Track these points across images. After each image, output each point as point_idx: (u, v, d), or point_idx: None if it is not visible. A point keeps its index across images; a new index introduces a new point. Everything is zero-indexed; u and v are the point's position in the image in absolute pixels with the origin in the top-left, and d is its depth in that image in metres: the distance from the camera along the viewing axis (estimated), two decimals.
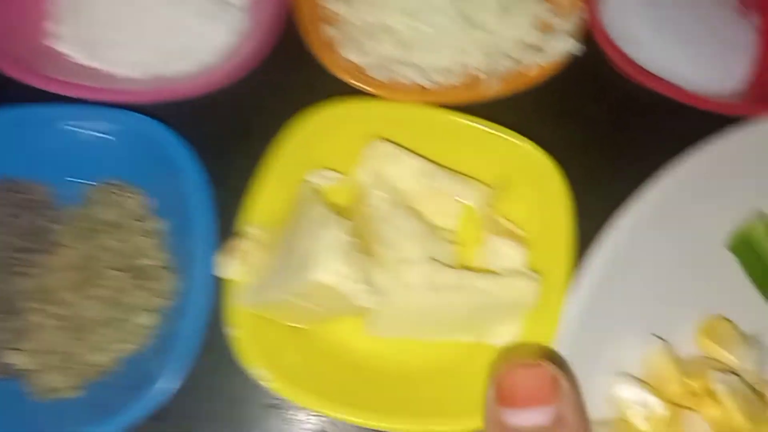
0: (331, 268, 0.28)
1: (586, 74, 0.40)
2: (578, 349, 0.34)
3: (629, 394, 0.34)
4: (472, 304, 0.32)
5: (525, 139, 0.36)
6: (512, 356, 0.31)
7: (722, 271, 0.38)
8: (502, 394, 0.26)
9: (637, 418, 0.34)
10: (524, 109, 0.38)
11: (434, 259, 0.32)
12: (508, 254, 0.34)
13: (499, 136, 0.36)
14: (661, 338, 0.36)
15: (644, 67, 0.40)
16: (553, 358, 0.31)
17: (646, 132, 0.40)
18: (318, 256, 0.28)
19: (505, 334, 0.34)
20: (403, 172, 0.34)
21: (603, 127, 0.40)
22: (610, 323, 0.35)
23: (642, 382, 0.34)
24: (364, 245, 0.31)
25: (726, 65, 0.44)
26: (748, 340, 0.36)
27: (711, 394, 0.34)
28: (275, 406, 0.34)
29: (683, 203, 0.38)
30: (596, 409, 0.32)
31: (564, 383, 0.26)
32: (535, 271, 0.34)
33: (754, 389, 0.34)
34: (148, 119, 0.36)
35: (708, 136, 0.39)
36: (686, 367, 0.35)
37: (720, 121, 0.39)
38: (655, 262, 0.37)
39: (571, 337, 0.34)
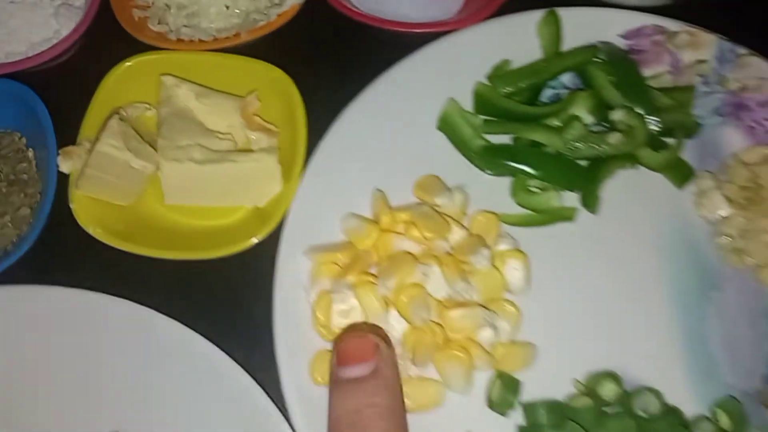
0: (108, 142, 0.45)
1: (314, 17, 0.57)
2: (316, 204, 0.50)
3: (353, 223, 0.50)
4: (234, 175, 0.49)
5: (271, 65, 0.53)
6: (349, 331, 0.42)
7: (436, 145, 0.54)
8: (339, 356, 0.37)
9: (358, 240, 0.50)
10: (273, 46, 0.55)
11: (202, 145, 0.49)
12: (261, 140, 0.51)
13: (253, 64, 0.53)
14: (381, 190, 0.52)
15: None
16: (377, 331, 0.42)
17: (365, 54, 0.56)
18: (100, 138, 0.45)
19: (262, 197, 0.50)
20: (187, 95, 0.51)
21: (330, 51, 0.57)
22: (341, 188, 0.51)
23: (363, 217, 0.50)
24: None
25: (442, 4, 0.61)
26: (452, 188, 0.52)
27: (412, 222, 0.50)
28: (109, 261, 0.50)
29: (398, 99, 0.54)
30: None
31: (383, 347, 0.37)
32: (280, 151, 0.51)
33: (440, 214, 0.50)
34: (19, 84, 0.53)
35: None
36: (400, 208, 0.51)
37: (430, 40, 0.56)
38: (377, 144, 0.53)
39: (309, 196, 0.50)
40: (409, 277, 0.47)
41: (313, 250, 0.49)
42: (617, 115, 0.49)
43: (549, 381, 0.47)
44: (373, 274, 0.47)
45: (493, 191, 0.52)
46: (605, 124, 0.52)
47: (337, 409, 0.35)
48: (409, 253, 0.48)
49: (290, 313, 0.48)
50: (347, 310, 0.46)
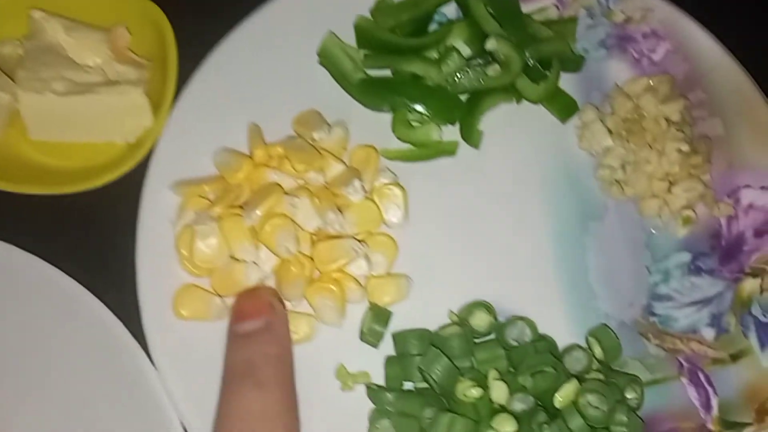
0: None
1: None
2: (187, 138, 0.49)
3: (225, 157, 0.49)
4: (99, 108, 0.48)
5: None
6: (245, 291, 0.43)
7: (317, 80, 0.51)
8: (234, 313, 0.39)
9: (229, 173, 0.48)
10: None
11: (66, 78, 0.47)
12: (127, 72, 0.49)
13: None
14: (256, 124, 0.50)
15: None
16: (272, 292, 0.42)
17: None
18: None
19: (132, 132, 0.49)
20: (56, 29, 0.49)
21: None
22: (215, 122, 0.50)
23: (236, 151, 0.49)
24: None
25: None
26: (332, 123, 0.51)
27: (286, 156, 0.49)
28: None
29: (278, 33, 0.52)
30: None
31: (276, 304, 0.39)
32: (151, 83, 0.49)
33: (316, 148, 0.49)
34: None
35: None
36: (275, 143, 0.50)
37: None
38: (255, 78, 0.51)
39: (180, 130, 0.49)
40: (276, 207, 0.45)
41: (180, 183, 0.47)
42: (491, 45, 0.48)
43: (424, 313, 0.47)
44: (240, 207, 0.46)
45: (373, 126, 0.51)
46: (485, 57, 0.51)
47: (231, 360, 0.37)
48: (278, 183, 0.47)
49: (154, 248, 0.46)
50: (211, 244, 0.45)
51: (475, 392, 0.42)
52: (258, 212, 0.45)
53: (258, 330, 0.38)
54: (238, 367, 0.36)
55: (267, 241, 0.45)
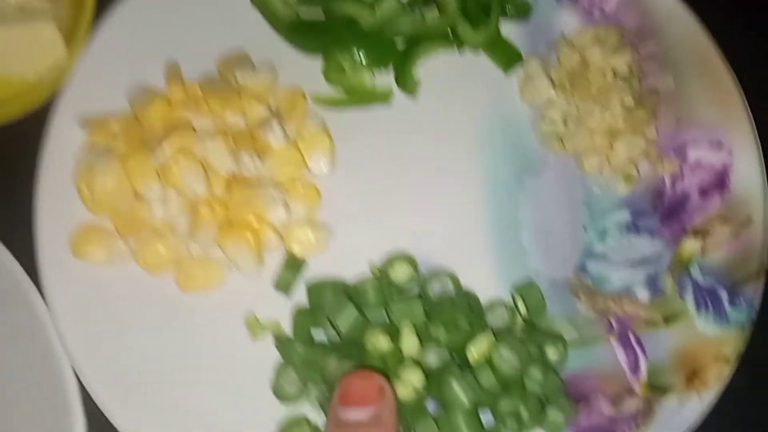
0: None
1: None
2: (100, 74, 0.46)
3: (139, 95, 0.46)
4: (6, 39, 0.45)
5: None
6: (356, 372, 0.38)
7: (248, 19, 0.48)
8: (342, 396, 0.34)
9: (142, 112, 0.45)
10: None
11: None
12: (40, 3, 0.47)
13: None
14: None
15: None
16: (384, 379, 0.36)
17: None
18: None
19: (41, 65, 0.46)
20: None
21: None
22: (132, 58, 0.47)
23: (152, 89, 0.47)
24: None
25: None
26: (260, 65, 0.48)
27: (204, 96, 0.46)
28: None
29: None
30: None
31: (387, 391, 0.35)
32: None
33: (237, 89, 0.46)
34: None
35: None
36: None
37: None
38: (179, 14, 0.48)
39: (93, 65, 0.46)
40: (185, 146, 0.43)
41: (88, 120, 0.45)
42: None
43: (344, 265, 0.44)
44: (150, 146, 0.44)
45: (304, 70, 0.48)
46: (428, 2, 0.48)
47: None
48: (189, 121, 0.44)
49: (57, 185, 0.44)
50: (112, 181, 0.43)
51: (384, 342, 0.39)
52: (165, 150, 0.42)
53: (366, 422, 0.34)
54: None
55: (172, 180, 0.42)
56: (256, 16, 0.49)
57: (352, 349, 0.40)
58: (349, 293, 0.42)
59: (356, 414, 0.34)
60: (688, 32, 0.48)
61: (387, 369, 0.39)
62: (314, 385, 0.40)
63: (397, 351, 0.40)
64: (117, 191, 0.43)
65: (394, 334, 0.40)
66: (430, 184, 0.47)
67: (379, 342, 0.39)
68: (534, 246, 0.45)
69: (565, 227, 0.46)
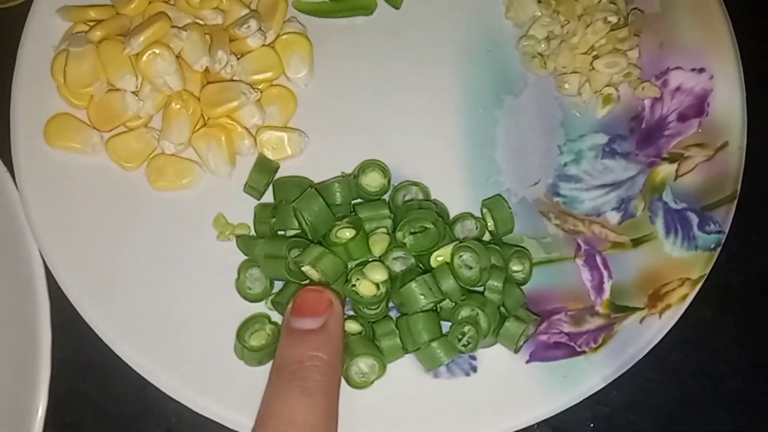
0: None
1: None
2: None
3: None
4: None
5: None
6: (310, 287, 0.40)
7: None
8: (294, 307, 0.37)
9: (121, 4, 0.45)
10: None
11: None
12: None
13: None
14: None
15: None
16: (336, 294, 0.39)
17: None
18: None
19: None
20: None
21: None
22: None
23: None
24: None
25: None
26: None
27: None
28: None
29: None
30: None
31: (336, 305, 0.38)
32: None
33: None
34: None
35: None
36: None
37: None
38: None
39: None
40: (161, 38, 0.42)
41: (67, 8, 0.44)
42: None
43: (317, 172, 0.44)
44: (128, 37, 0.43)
45: None
46: None
47: (283, 356, 0.37)
48: (165, 13, 0.44)
49: (34, 75, 0.44)
50: (86, 69, 0.42)
51: (349, 234, 0.39)
52: (139, 41, 0.42)
53: (315, 330, 0.37)
54: (288, 367, 0.36)
55: (144, 71, 0.42)
56: None
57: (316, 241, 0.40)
58: (319, 192, 0.42)
59: (306, 323, 0.37)
60: None
61: (349, 259, 0.39)
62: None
63: (362, 245, 0.40)
64: (91, 79, 0.42)
65: (360, 230, 0.40)
66: (408, 97, 0.46)
67: (344, 233, 0.39)
68: (508, 164, 0.45)
69: (540, 148, 0.45)
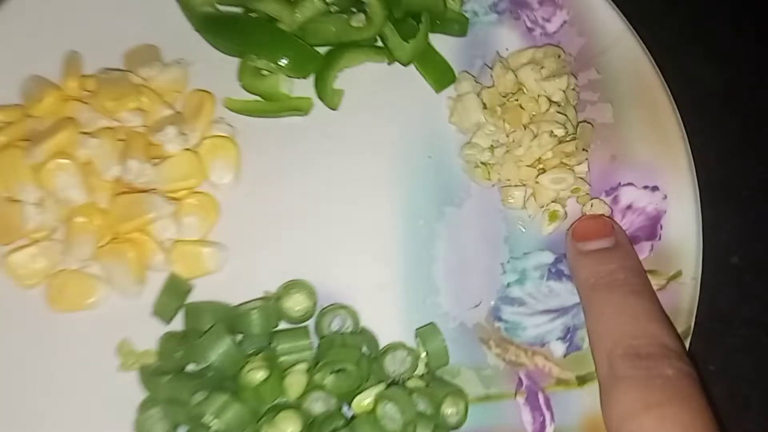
0: None
1: None
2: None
3: (31, 85, 0.42)
4: None
5: None
6: (587, 216, 0.41)
7: (163, 11, 0.45)
8: (578, 235, 0.39)
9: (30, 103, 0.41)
10: None
11: None
12: None
13: None
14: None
15: None
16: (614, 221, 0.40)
17: None
18: None
19: None
20: None
21: None
22: (30, 47, 0.43)
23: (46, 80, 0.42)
24: None
25: None
26: (170, 62, 0.44)
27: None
28: None
29: None
30: None
31: (617, 226, 0.39)
32: None
33: (137, 86, 0.42)
34: None
35: None
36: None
37: None
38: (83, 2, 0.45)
39: None
40: (67, 146, 0.39)
41: None
42: None
43: (238, 291, 0.40)
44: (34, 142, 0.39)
45: (219, 72, 0.44)
46: (351, 5, 0.44)
47: (588, 273, 0.37)
48: (72, 118, 0.40)
49: None
50: None
51: (260, 375, 0.35)
52: (45, 149, 0.38)
53: (609, 248, 0.38)
54: (603, 279, 0.37)
55: (46, 182, 0.38)
56: (174, 11, 0.45)
57: (224, 382, 0.36)
58: (232, 319, 0.38)
59: (596, 244, 0.38)
60: (634, 61, 0.44)
61: (260, 405, 0.35)
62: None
63: (276, 388, 0.36)
64: None
65: (274, 370, 0.36)
66: (340, 207, 0.43)
67: (255, 374, 0.35)
68: (447, 284, 0.42)
69: (482, 265, 0.42)
